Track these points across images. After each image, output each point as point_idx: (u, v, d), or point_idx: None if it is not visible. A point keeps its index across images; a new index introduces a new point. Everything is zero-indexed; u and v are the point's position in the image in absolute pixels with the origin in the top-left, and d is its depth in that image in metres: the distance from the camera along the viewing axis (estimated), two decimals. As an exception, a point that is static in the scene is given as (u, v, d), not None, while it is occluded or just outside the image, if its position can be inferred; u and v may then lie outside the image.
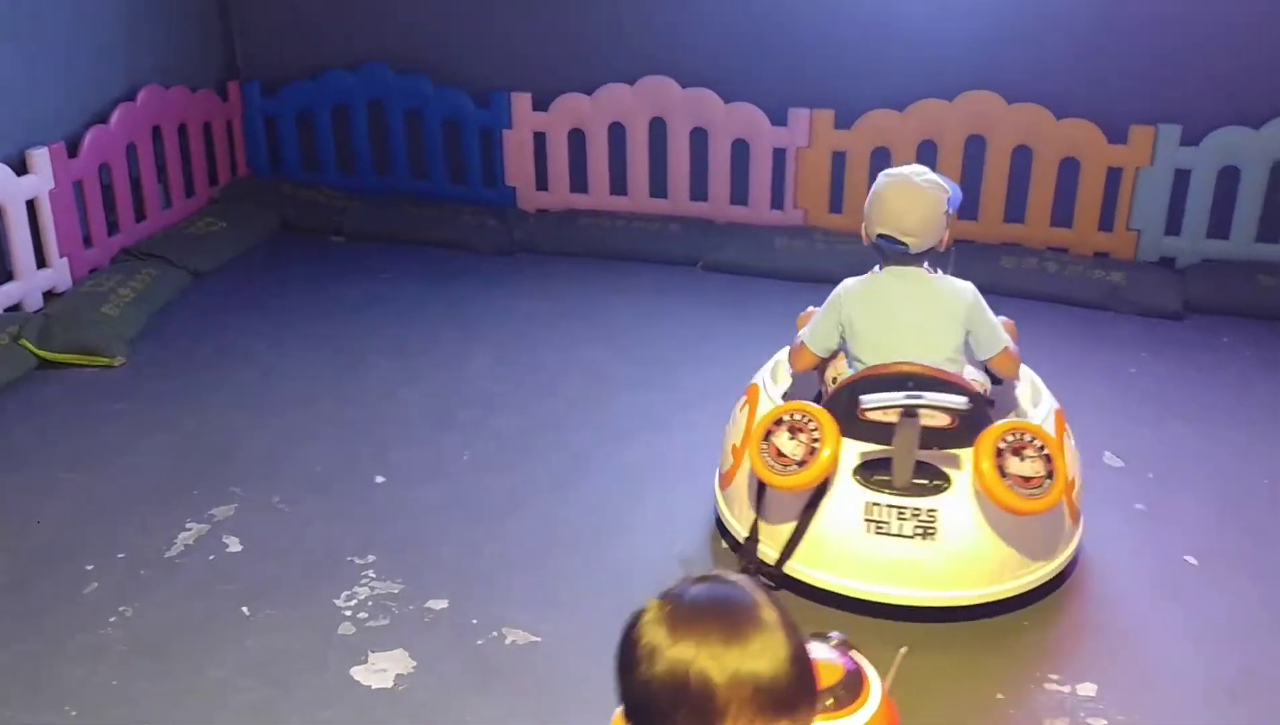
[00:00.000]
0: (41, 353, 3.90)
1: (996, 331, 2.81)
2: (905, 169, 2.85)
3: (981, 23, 4.75)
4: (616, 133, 5.14)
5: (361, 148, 5.46)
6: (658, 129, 5.09)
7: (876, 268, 2.86)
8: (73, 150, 4.46)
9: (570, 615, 2.65)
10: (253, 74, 5.56)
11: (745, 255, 4.77)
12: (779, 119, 4.90)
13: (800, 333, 2.92)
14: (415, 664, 2.49)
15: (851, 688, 1.65)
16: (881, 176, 2.84)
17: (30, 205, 4.26)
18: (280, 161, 5.59)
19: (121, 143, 4.72)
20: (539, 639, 2.57)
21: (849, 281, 2.85)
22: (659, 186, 5.18)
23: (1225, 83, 4.57)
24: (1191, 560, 2.87)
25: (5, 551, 2.90)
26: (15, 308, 4.22)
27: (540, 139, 5.22)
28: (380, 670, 2.47)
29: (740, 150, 5.01)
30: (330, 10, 5.42)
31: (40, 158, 4.27)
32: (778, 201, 5.04)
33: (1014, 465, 2.50)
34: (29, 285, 4.27)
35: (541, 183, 5.29)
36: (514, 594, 2.73)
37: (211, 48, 5.49)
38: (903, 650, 1.80)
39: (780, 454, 2.58)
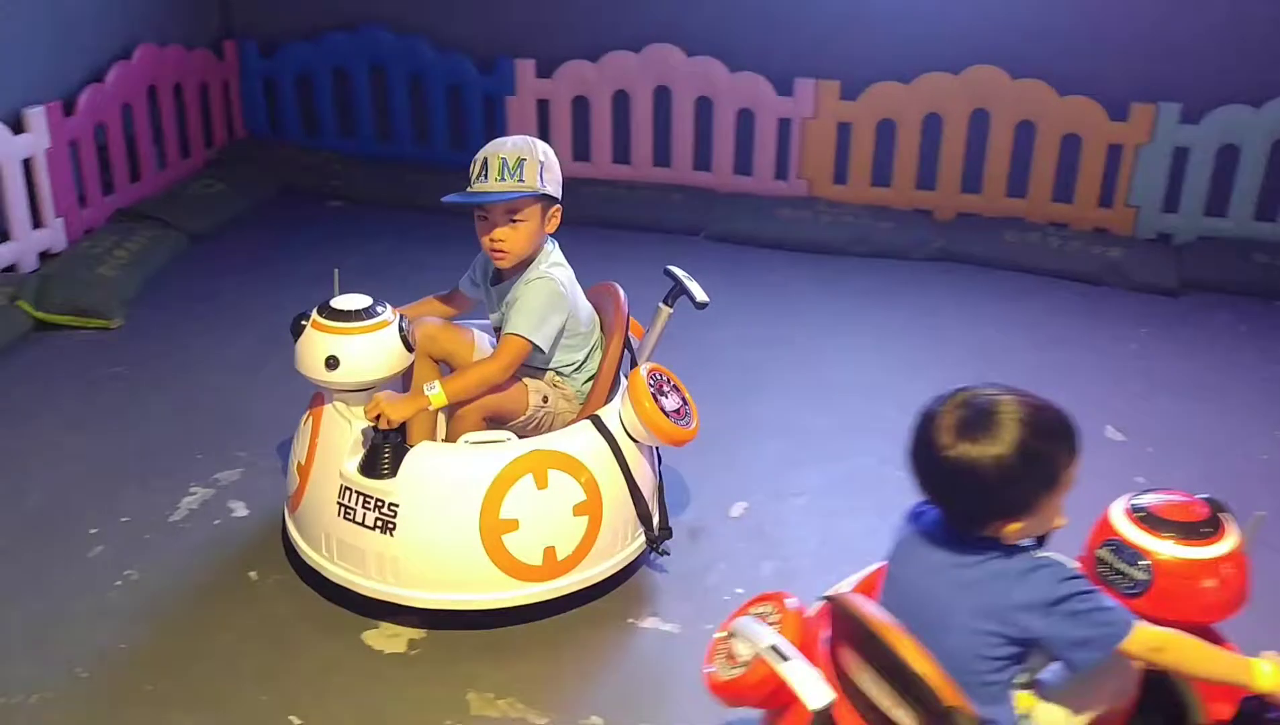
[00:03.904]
0: (39, 314, 3.86)
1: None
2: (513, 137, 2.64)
3: (988, -3, 4.76)
4: (620, 101, 5.11)
5: (362, 111, 5.41)
6: (662, 97, 5.07)
7: (550, 239, 2.67)
8: (69, 109, 4.40)
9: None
10: (249, 33, 5.49)
11: (748, 225, 4.76)
12: (785, 89, 4.88)
13: (523, 332, 2.54)
14: (427, 630, 2.49)
15: (1215, 525, 1.86)
16: (538, 142, 2.61)
17: (26, 165, 4.20)
18: (279, 124, 5.54)
19: (117, 102, 4.66)
20: (549, 606, 2.57)
21: (557, 274, 2.61)
22: (662, 155, 5.16)
23: (1226, 61, 4.57)
24: (1195, 535, 2.90)
25: (7, 514, 2.88)
26: (11, 269, 4.17)
27: (544, 106, 5.18)
28: (393, 635, 2.47)
29: (745, 120, 4.99)
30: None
31: (36, 117, 4.21)
32: (782, 172, 5.03)
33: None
34: (25, 245, 4.22)
35: (543, 151, 5.26)
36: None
37: (207, 6, 5.42)
38: (1261, 514, 1.88)
39: (674, 412, 2.56)
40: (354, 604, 2.51)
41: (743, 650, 1.76)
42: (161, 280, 4.28)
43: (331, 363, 2.42)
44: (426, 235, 4.78)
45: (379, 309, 2.48)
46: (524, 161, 2.52)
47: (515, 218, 2.54)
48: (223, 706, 2.28)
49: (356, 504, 2.44)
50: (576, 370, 2.72)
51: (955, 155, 4.85)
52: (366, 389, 2.48)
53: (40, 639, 2.44)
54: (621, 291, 2.74)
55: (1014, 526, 1.67)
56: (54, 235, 4.35)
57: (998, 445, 1.63)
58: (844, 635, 1.70)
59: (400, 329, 2.48)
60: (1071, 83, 4.64)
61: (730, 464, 3.16)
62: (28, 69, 4.31)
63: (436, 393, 2.44)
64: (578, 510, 2.47)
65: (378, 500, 2.42)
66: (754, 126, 4.98)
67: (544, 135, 5.20)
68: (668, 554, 2.68)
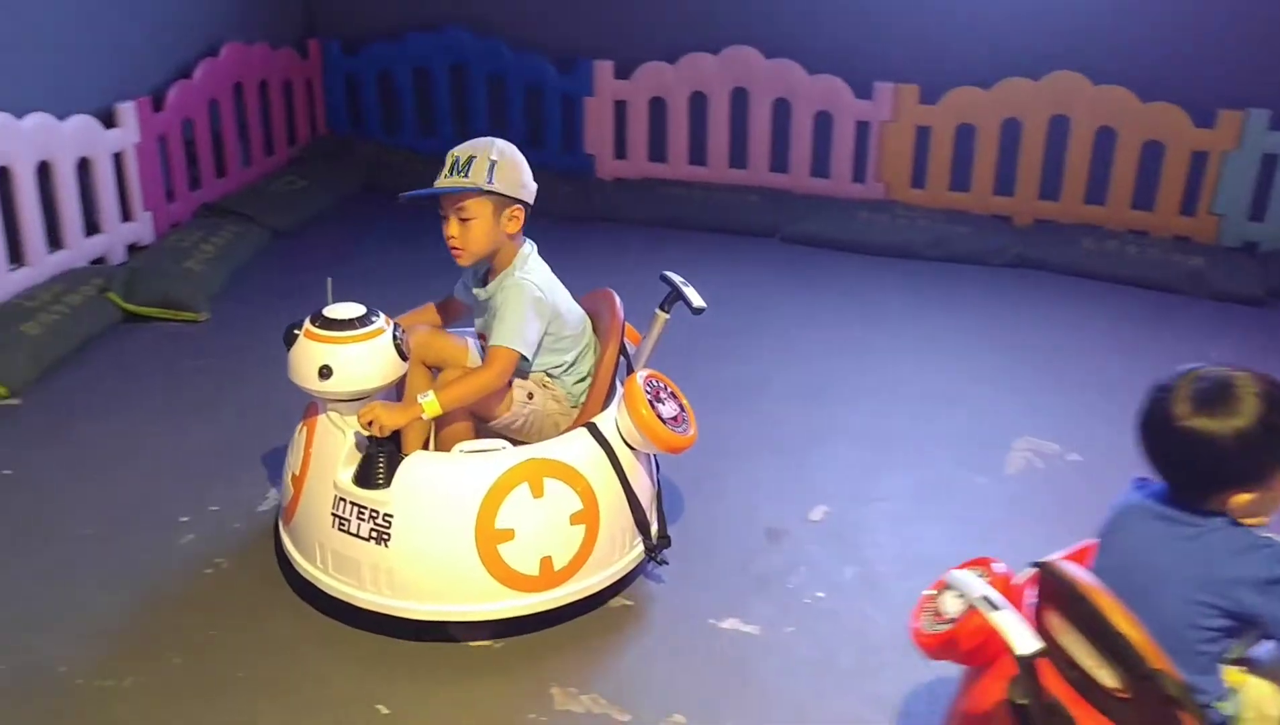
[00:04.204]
0: (128, 306, 3.95)
1: None
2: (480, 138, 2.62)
3: (1070, 2, 4.70)
4: (697, 102, 5.13)
5: (442, 110, 5.47)
6: (739, 99, 5.07)
7: (531, 246, 2.67)
8: (158, 105, 4.50)
9: (665, 576, 2.68)
10: (332, 32, 5.58)
11: (825, 227, 4.75)
12: (863, 92, 4.87)
13: (509, 342, 2.51)
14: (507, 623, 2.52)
15: None
16: (492, 138, 2.60)
17: (116, 159, 4.31)
18: (360, 121, 5.62)
19: (204, 98, 4.76)
20: (631, 603, 2.59)
21: (534, 278, 2.59)
22: (739, 157, 5.17)
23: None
24: None
25: (100, 501, 2.96)
26: (100, 260, 4.28)
27: (621, 107, 5.22)
28: (478, 629, 2.51)
29: (822, 122, 4.98)
30: (409, -29, 5.45)
31: (127, 111, 4.31)
32: (859, 175, 5.02)
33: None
34: (114, 238, 4.33)
35: (620, 151, 5.30)
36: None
37: (293, 5, 5.52)
38: None
39: (671, 418, 2.54)
40: (350, 618, 2.50)
41: (950, 608, 1.83)
42: (245, 275, 4.37)
43: (325, 372, 2.39)
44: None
45: (373, 317, 2.46)
46: (473, 159, 2.51)
47: (464, 216, 2.52)
48: (311, 695, 2.32)
49: (351, 515, 2.41)
50: (566, 371, 2.68)
51: (1034, 161, 4.81)
52: (361, 398, 2.45)
53: (134, 624, 2.50)
54: (617, 298, 2.72)
55: (1243, 498, 1.72)
56: (142, 228, 4.46)
57: (1238, 418, 1.70)
58: (1050, 598, 1.74)
59: (394, 337, 2.46)
60: (1155, 89, 4.59)
61: (809, 467, 3.16)
62: (119, 65, 4.42)
63: (430, 401, 2.42)
64: (574, 519, 2.44)
65: (372, 511, 2.39)
66: (832, 129, 4.97)
67: (620, 136, 5.24)
68: (666, 563, 2.66)
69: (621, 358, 2.68)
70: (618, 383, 2.64)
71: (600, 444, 2.48)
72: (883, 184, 4.98)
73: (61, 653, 2.40)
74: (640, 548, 2.61)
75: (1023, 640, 1.63)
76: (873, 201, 4.93)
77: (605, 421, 2.53)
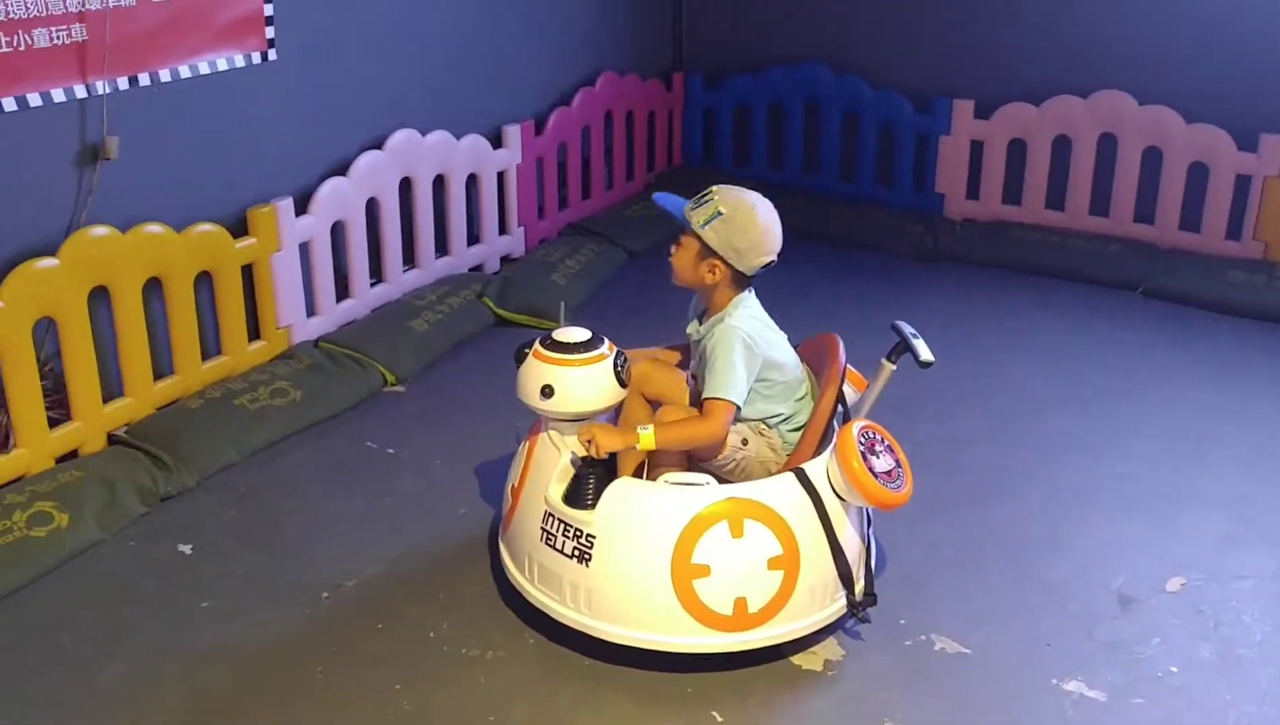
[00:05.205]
0: (500, 311, 4.29)
1: None
2: (746, 191, 2.60)
3: None
4: (1059, 145, 4.98)
5: (793, 144, 5.59)
6: (1106, 144, 4.89)
7: (747, 293, 2.63)
8: (539, 129, 4.85)
9: (1000, 631, 2.63)
10: (696, 66, 5.82)
11: (1192, 285, 4.48)
12: (1247, 144, 4.58)
13: (723, 394, 2.51)
14: (844, 653, 2.56)
15: None
16: (754, 200, 2.56)
17: (499, 177, 4.67)
18: (713, 153, 5.82)
19: (579, 124, 5.08)
20: (968, 651, 2.56)
21: (744, 326, 2.56)
22: (1101, 204, 4.97)
23: None
24: None
25: (469, 485, 3.22)
26: (478, 268, 4.66)
27: (977, 147, 5.15)
28: (811, 653, 2.55)
29: (1197, 173, 4.72)
30: (775, 8, 5.58)
31: (513, 134, 4.68)
32: (1233, 231, 4.71)
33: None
34: (491, 249, 4.71)
35: (972, 192, 5.22)
36: (940, 600, 2.73)
37: (662, 39, 5.80)
38: None
39: (884, 473, 2.45)
40: (550, 632, 2.58)
41: None
42: (603, 291, 4.63)
43: (546, 391, 2.49)
44: (844, 269, 4.88)
45: (598, 344, 2.54)
46: (710, 201, 2.54)
47: (678, 242, 2.61)
48: (656, 691, 2.45)
49: (558, 531, 2.50)
50: (783, 422, 2.66)
51: None
52: (579, 419, 2.54)
53: (496, 601, 2.72)
54: (841, 343, 2.67)
55: None
56: (514, 242, 4.81)
57: None
58: None
59: (615, 365, 2.53)
60: None
61: (1167, 533, 3.01)
62: (510, 91, 4.80)
63: (647, 434, 2.47)
64: (773, 564, 2.41)
65: (577, 530, 2.46)
66: (1207, 181, 4.70)
67: (974, 176, 5.17)
68: (868, 622, 2.59)
69: (840, 406, 2.65)
70: (835, 427, 2.61)
71: (807, 491, 2.46)
72: (1261, 242, 4.64)
73: (433, 621, 2.65)
74: (843, 601, 2.56)
75: None
76: (1247, 260, 4.61)
77: (815, 468, 2.50)
